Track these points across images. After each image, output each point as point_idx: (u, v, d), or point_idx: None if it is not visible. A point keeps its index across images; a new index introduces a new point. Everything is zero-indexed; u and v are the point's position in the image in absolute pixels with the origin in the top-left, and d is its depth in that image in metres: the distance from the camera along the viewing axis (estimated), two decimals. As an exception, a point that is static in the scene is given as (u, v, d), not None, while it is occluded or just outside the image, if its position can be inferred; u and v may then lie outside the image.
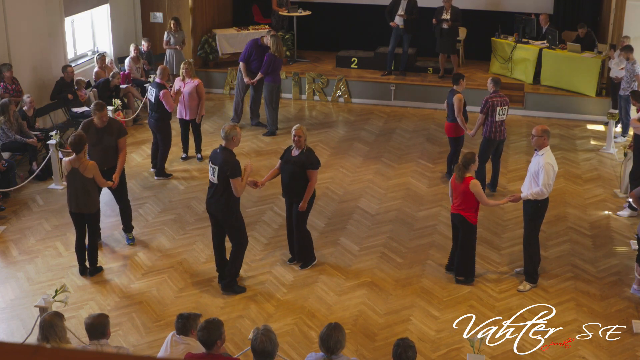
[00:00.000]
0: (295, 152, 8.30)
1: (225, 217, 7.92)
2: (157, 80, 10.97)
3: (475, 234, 8.34)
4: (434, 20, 14.53)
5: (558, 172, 11.31)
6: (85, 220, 8.27)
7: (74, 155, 8.06)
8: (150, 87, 11.16)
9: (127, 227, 9.31)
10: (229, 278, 8.13)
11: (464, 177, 7.97)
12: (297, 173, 8.23)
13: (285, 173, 8.37)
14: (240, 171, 7.77)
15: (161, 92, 10.76)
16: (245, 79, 13.04)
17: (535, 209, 8.10)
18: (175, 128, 12.24)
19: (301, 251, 8.64)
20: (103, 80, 13.00)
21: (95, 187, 8.24)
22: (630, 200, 9.48)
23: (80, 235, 8.36)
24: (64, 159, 8.38)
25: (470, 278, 8.41)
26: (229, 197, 7.76)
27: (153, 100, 10.90)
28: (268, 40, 12.81)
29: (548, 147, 8.01)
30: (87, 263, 8.47)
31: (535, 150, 8.10)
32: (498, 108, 10.18)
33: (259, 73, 12.88)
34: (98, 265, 8.55)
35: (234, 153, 7.79)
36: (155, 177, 11.20)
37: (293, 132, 8.24)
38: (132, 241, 9.26)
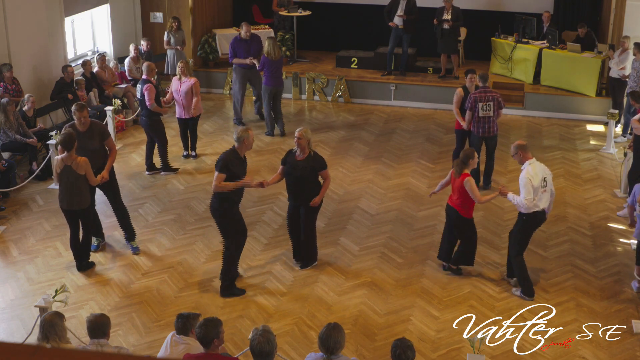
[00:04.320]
0: (300, 156, 8.15)
1: (213, 216, 7.92)
2: (144, 76, 10.95)
3: (474, 225, 8.36)
4: (434, 21, 14.52)
5: (558, 172, 11.41)
6: (78, 217, 8.32)
7: (65, 153, 8.10)
8: (138, 85, 11.17)
9: (130, 235, 9.08)
10: (225, 282, 8.06)
11: (462, 172, 8.07)
12: (307, 177, 8.12)
13: (292, 178, 8.19)
14: (224, 169, 7.58)
15: (145, 86, 10.73)
16: (247, 60, 12.91)
17: (520, 221, 7.97)
18: (175, 127, 12.26)
19: (307, 250, 8.63)
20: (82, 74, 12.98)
21: (87, 183, 8.27)
22: (626, 206, 9.40)
23: (75, 232, 8.41)
24: (56, 157, 8.42)
25: (460, 269, 8.49)
26: (217, 196, 7.73)
27: (140, 97, 10.90)
28: (246, 33, 12.86)
29: (533, 160, 7.85)
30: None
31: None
32: (481, 104, 10.22)
33: (256, 64, 12.85)
34: (90, 260, 8.59)
35: (238, 155, 7.72)
36: (161, 173, 11.22)
37: (295, 134, 8.18)
38: (137, 250, 8.98)
